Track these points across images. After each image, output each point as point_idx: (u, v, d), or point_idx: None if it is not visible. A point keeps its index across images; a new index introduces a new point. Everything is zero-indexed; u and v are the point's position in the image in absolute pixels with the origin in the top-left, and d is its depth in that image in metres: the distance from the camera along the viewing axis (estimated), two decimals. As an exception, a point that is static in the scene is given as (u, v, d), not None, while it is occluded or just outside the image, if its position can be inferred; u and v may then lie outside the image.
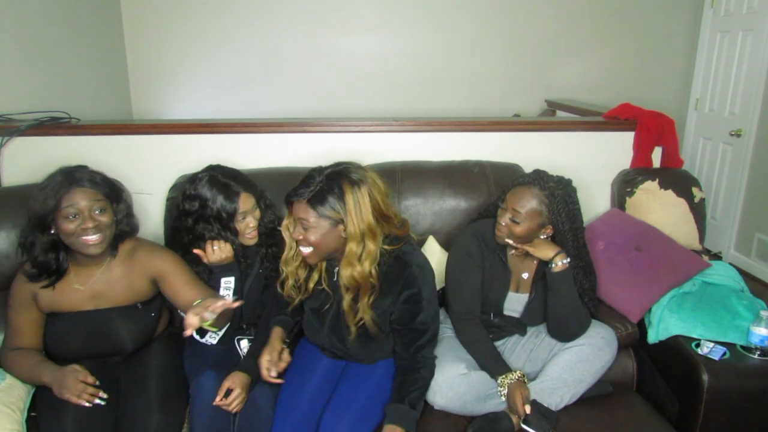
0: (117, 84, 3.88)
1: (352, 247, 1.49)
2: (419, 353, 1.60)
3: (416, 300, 1.56)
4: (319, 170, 1.53)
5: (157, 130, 2.31)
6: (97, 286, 1.63)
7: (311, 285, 1.64)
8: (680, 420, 1.75)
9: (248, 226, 1.72)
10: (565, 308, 1.70)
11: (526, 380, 1.63)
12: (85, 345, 1.61)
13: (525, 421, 1.54)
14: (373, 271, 1.52)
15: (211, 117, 2.67)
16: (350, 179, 1.49)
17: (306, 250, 1.53)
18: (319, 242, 1.50)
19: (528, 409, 1.54)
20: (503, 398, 1.60)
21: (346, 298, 1.56)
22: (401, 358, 1.62)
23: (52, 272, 1.59)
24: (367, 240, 1.50)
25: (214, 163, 1.81)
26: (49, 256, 1.58)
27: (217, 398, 1.52)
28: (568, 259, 1.69)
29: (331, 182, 1.48)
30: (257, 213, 1.74)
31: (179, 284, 1.63)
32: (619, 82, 4.20)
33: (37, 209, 1.54)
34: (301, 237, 1.51)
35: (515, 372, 1.63)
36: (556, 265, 1.68)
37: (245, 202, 1.70)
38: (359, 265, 1.50)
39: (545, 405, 1.59)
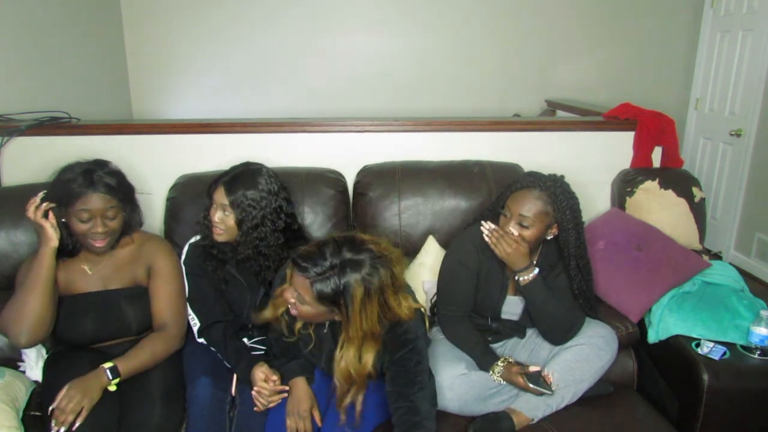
0: (117, 84, 3.88)
1: (351, 350, 1.40)
2: (414, 378, 1.46)
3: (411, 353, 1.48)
4: (335, 252, 1.35)
5: (157, 130, 2.31)
6: (104, 270, 1.70)
7: (297, 327, 1.55)
8: (680, 420, 1.75)
9: (212, 217, 1.71)
10: (544, 316, 1.70)
11: (511, 360, 1.67)
12: (94, 326, 1.64)
13: (530, 381, 1.60)
14: (372, 369, 1.43)
15: (211, 117, 2.67)
16: (364, 279, 1.34)
17: (294, 312, 1.43)
18: (307, 314, 1.41)
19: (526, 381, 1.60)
20: (502, 382, 1.64)
21: (341, 384, 1.46)
22: (394, 391, 1.47)
23: (66, 252, 1.64)
24: (366, 342, 1.40)
25: (213, 162, 1.81)
26: (63, 237, 1.62)
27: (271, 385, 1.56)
28: (536, 271, 1.68)
29: (343, 274, 1.33)
30: (228, 219, 1.70)
31: (162, 291, 1.70)
32: (619, 82, 4.21)
33: (53, 200, 1.58)
34: (293, 301, 1.40)
35: (500, 361, 1.66)
36: (523, 279, 1.68)
37: (217, 194, 1.71)
38: (357, 363, 1.41)
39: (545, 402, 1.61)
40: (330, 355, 1.51)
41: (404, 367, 1.46)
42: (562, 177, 1.74)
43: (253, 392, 1.57)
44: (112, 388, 1.52)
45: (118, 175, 1.67)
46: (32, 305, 1.53)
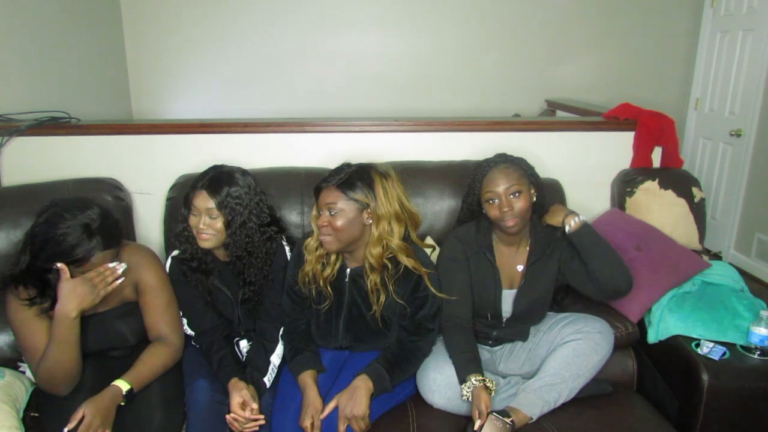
0: (117, 84, 3.88)
1: (384, 226, 1.59)
2: (421, 323, 1.67)
3: (418, 283, 1.67)
4: (348, 164, 1.64)
5: (157, 130, 2.31)
6: None
7: (324, 276, 1.66)
8: (680, 420, 1.75)
9: (197, 225, 1.65)
10: (604, 262, 1.70)
11: (493, 387, 1.58)
12: (91, 345, 1.62)
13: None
14: (399, 242, 1.62)
15: (211, 117, 2.67)
16: (378, 171, 1.62)
17: (327, 237, 1.58)
18: (343, 227, 1.56)
19: (482, 419, 1.50)
20: (468, 399, 1.57)
21: (372, 278, 1.62)
22: (403, 327, 1.69)
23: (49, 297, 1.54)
24: (393, 223, 1.60)
25: (214, 162, 1.80)
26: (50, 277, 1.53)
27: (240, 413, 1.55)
28: (582, 216, 1.73)
29: (361, 171, 1.60)
30: (216, 223, 1.64)
31: (152, 304, 1.66)
32: (619, 82, 4.21)
33: (52, 259, 1.46)
34: (326, 223, 1.57)
35: (474, 377, 1.57)
36: (570, 225, 1.71)
37: (200, 199, 1.64)
38: (389, 235, 1.60)
39: (523, 412, 1.57)
40: (350, 309, 1.69)
41: (416, 330, 1.68)
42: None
43: (228, 417, 1.54)
44: (122, 403, 1.52)
45: (111, 217, 1.55)
46: (71, 363, 1.50)
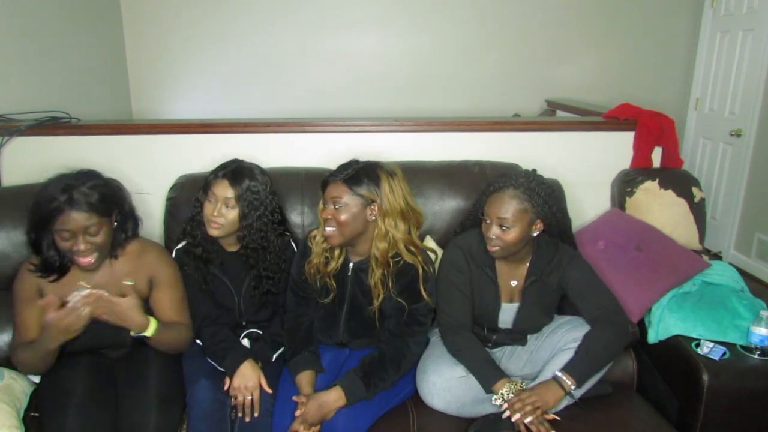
0: (117, 84, 3.88)
1: (390, 222, 1.62)
2: (414, 315, 1.68)
3: (415, 277, 1.68)
4: (356, 160, 1.68)
5: (157, 130, 2.31)
6: (100, 282, 1.64)
7: (327, 270, 1.69)
8: (680, 420, 1.75)
9: (211, 212, 1.69)
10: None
11: (521, 384, 1.59)
12: (89, 338, 1.61)
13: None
14: (403, 237, 1.64)
15: (211, 117, 2.67)
16: (385, 169, 1.66)
17: (331, 229, 1.61)
18: (346, 222, 1.59)
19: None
20: (501, 405, 1.55)
21: (377, 273, 1.64)
22: (395, 324, 1.70)
23: (55, 269, 1.61)
24: (398, 220, 1.63)
25: (214, 162, 1.81)
26: (51, 253, 1.59)
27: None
28: (572, 385, 1.58)
29: (368, 168, 1.64)
30: (231, 213, 1.70)
31: (167, 298, 1.69)
32: (619, 82, 4.21)
33: (36, 217, 1.56)
34: (330, 216, 1.60)
35: (508, 384, 1.57)
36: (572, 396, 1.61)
37: (220, 188, 1.69)
38: (395, 228, 1.62)
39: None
40: (351, 301, 1.71)
41: (409, 323, 1.69)
42: (534, 171, 1.73)
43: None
44: (149, 332, 1.57)
45: (103, 188, 1.59)
46: (44, 364, 1.57)
